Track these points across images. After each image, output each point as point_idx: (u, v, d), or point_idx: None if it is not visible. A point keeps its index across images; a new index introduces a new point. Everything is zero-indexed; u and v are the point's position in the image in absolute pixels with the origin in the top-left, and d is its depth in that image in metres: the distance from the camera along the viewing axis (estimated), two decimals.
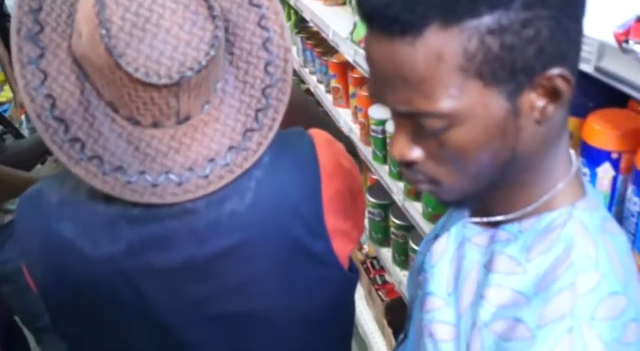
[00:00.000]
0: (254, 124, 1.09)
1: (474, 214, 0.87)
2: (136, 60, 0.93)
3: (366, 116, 2.32)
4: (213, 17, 0.98)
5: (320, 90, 2.97)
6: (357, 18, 2.17)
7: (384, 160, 2.29)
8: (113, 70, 0.94)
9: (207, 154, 1.06)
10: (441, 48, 0.66)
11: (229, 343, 1.18)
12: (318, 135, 1.20)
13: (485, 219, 0.84)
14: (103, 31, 0.92)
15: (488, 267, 0.81)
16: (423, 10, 0.65)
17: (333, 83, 2.73)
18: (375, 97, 0.75)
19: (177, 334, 1.15)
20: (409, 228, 2.27)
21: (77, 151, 1.01)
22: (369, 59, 0.73)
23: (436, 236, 0.96)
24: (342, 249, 1.20)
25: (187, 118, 1.04)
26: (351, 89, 2.55)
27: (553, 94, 0.70)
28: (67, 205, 1.08)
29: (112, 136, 1.03)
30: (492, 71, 0.67)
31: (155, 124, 1.02)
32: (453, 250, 0.89)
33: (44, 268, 1.09)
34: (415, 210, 2.06)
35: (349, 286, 1.28)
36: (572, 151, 0.82)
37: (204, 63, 0.96)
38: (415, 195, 2.09)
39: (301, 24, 3.16)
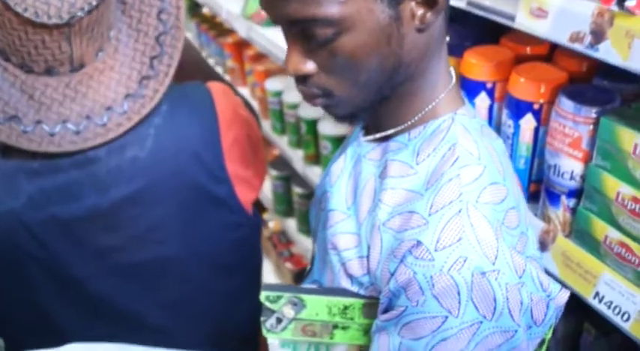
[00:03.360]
0: (149, 71, 1.11)
1: (367, 134, 0.93)
2: (25, 0, 0.94)
3: (263, 90, 2.38)
4: None
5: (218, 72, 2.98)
6: None
7: (283, 131, 2.35)
8: (2, 12, 0.94)
9: (104, 102, 1.08)
10: None
11: (141, 292, 1.19)
12: (214, 86, 1.24)
13: (377, 135, 0.90)
14: None
15: (382, 175, 0.87)
16: None
17: (229, 63, 2.77)
18: (269, 12, 0.79)
19: (87, 286, 1.15)
20: (310, 196, 2.33)
21: None
22: None
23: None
24: (244, 195, 1.23)
25: (82, 66, 1.05)
26: (247, 66, 2.60)
27: (430, 3, 0.77)
28: None
29: (5, 85, 1.03)
30: None
31: (49, 72, 1.03)
32: (350, 168, 0.95)
33: None
34: (315, 175, 2.13)
35: (254, 230, 1.32)
36: (451, 68, 0.90)
37: (94, 3, 0.98)
38: (314, 160, 2.16)
39: (195, 9, 3.17)
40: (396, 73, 0.81)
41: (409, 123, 0.86)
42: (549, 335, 0.83)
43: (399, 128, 0.87)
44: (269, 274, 2.78)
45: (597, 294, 1.01)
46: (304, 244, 2.44)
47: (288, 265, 2.66)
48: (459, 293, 0.72)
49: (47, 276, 1.13)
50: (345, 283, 0.87)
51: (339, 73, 0.80)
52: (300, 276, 2.53)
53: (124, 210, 1.11)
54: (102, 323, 1.20)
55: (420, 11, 0.77)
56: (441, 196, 0.77)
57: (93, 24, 1.01)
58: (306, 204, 2.38)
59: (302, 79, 0.83)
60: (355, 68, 0.79)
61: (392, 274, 0.77)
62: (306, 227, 2.44)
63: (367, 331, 0.86)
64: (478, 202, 0.77)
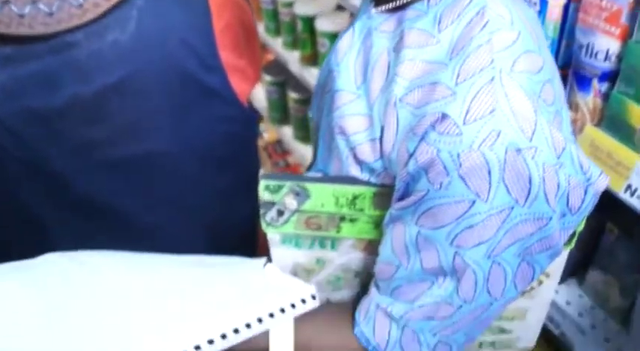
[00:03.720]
0: None
1: (378, 4, 0.82)
2: None
3: None
4: None
5: None
6: None
7: (277, 32, 2.24)
8: None
9: None
10: None
11: (130, 188, 1.12)
12: None
13: (391, 5, 0.79)
14: None
15: (397, 47, 0.77)
16: None
17: None
18: None
19: (71, 183, 1.08)
20: (307, 101, 2.25)
21: None
22: None
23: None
24: (239, 86, 1.14)
25: None
26: None
27: None
28: None
29: None
30: None
31: None
32: (359, 43, 0.84)
33: None
34: (312, 77, 2.03)
35: (249, 123, 1.23)
36: None
37: None
38: (311, 60, 2.06)
39: None
40: None
41: None
42: (581, 227, 0.75)
43: None
44: None
45: (629, 187, 0.93)
46: (301, 152, 2.37)
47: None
48: (489, 173, 0.63)
49: (28, 173, 1.05)
50: (355, 171, 0.78)
51: None
52: None
53: (107, 100, 1.02)
54: (91, 223, 1.13)
55: None
56: (470, 64, 0.67)
57: None
58: (302, 110, 2.30)
59: None
60: None
61: (411, 155, 0.68)
62: (302, 134, 2.37)
63: (378, 224, 0.78)
64: (513, 70, 0.66)
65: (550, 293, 0.91)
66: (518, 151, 0.63)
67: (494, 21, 0.70)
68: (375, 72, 0.79)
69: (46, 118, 1.01)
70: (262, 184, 0.79)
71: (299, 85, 2.23)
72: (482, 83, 0.65)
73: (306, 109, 2.27)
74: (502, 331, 0.95)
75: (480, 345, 0.97)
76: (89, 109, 1.02)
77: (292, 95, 2.32)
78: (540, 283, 0.88)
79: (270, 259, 0.87)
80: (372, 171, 0.77)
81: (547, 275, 0.86)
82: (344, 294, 0.91)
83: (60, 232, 1.13)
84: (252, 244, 1.32)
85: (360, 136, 0.77)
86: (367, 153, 0.76)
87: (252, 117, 1.23)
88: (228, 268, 0.88)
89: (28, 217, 1.11)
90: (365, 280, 0.87)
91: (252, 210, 1.37)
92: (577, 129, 1.01)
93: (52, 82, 0.99)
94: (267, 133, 2.86)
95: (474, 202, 0.65)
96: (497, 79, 0.65)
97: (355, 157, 0.78)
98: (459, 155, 0.64)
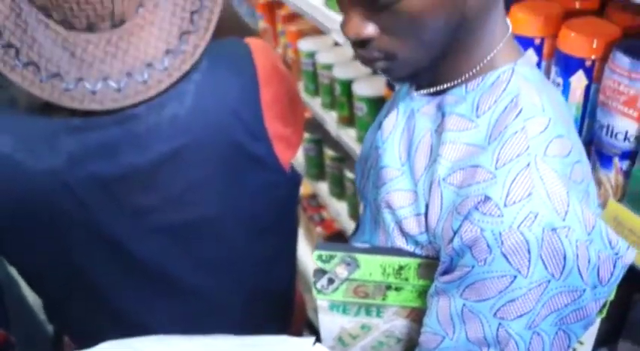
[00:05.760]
0: (190, 26, 1.09)
1: (420, 88, 0.90)
2: None
3: (296, 51, 2.34)
4: None
5: (254, 28, 2.96)
6: None
7: (316, 92, 2.32)
8: None
9: (144, 59, 1.06)
10: None
11: (178, 252, 1.19)
12: (253, 41, 1.22)
13: (432, 89, 0.87)
14: None
15: (439, 130, 0.84)
16: None
17: (261, 24, 2.73)
18: None
19: (124, 246, 1.15)
20: (343, 159, 2.33)
21: (12, 57, 0.99)
22: None
23: (380, 124, 1.00)
24: (283, 153, 1.22)
25: (122, 22, 1.03)
26: (280, 27, 2.56)
27: None
28: (3, 120, 1.06)
29: (47, 42, 1.01)
30: None
31: (90, 28, 1.02)
32: (403, 123, 0.92)
33: None
34: (349, 137, 2.10)
35: (292, 189, 1.31)
36: (507, 17, 0.86)
37: None
38: (348, 122, 2.13)
39: None
40: (459, 29, 0.78)
41: (467, 75, 0.83)
42: (612, 296, 0.81)
43: (455, 82, 0.84)
44: (299, 238, 2.77)
45: None
46: (336, 207, 2.43)
47: (319, 229, 2.65)
48: (529, 251, 0.70)
49: (85, 235, 1.12)
50: (400, 243, 0.85)
51: (403, 34, 0.76)
52: (331, 241, 2.52)
53: (162, 169, 1.10)
54: (139, 283, 1.20)
55: None
56: (508, 150, 0.75)
57: None
58: (338, 167, 2.36)
59: (362, 43, 0.79)
60: (421, 28, 0.75)
61: (455, 232, 0.75)
62: (338, 190, 2.42)
63: (421, 293, 0.85)
64: (546, 155, 0.74)
65: None
66: (554, 230, 0.70)
67: (528, 109, 0.77)
68: (419, 151, 0.86)
69: (107, 184, 1.08)
70: (316, 253, 0.85)
71: (336, 143, 2.30)
72: (520, 168, 0.73)
73: (342, 166, 2.33)
74: None
75: None
76: (145, 176, 1.09)
77: (329, 153, 2.39)
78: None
79: (317, 336, 0.90)
80: (416, 243, 0.83)
81: (581, 343, 0.91)
82: None
83: (108, 288, 1.18)
84: (288, 310, 1.37)
85: (406, 211, 0.84)
86: (413, 227, 0.83)
87: (294, 181, 1.30)
88: (277, 347, 0.90)
89: (79, 273, 1.16)
90: (407, 345, 0.92)
91: (289, 276, 1.42)
92: (601, 204, 1.06)
93: (113, 151, 1.07)
94: (303, 186, 2.90)
95: (515, 277, 0.71)
96: (532, 164, 0.73)
97: (401, 229, 0.85)
98: (500, 234, 0.70)
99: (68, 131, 1.05)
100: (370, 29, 0.77)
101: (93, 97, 1.04)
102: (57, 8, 0.99)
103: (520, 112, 0.77)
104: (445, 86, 0.85)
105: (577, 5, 1.20)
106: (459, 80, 0.84)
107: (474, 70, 0.83)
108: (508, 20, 0.86)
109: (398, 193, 0.87)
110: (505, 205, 0.72)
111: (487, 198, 0.73)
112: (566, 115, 0.85)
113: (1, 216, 1.09)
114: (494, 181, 0.73)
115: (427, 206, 0.82)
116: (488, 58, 0.82)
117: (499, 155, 0.75)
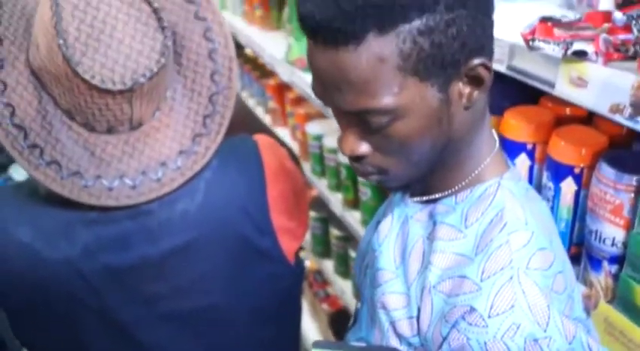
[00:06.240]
0: (202, 129, 1.16)
1: (413, 195, 0.97)
2: (92, 68, 1.00)
3: (304, 133, 2.43)
4: (163, 28, 1.06)
5: (259, 111, 3.06)
6: (291, 40, 2.28)
7: (322, 174, 2.39)
8: (70, 78, 1.01)
9: (159, 159, 1.13)
10: (380, 51, 0.75)
11: (185, 338, 1.23)
12: (261, 139, 1.29)
13: (425, 198, 0.94)
14: (61, 41, 0.99)
15: (431, 237, 0.91)
16: (362, 21, 0.74)
17: (271, 104, 2.83)
18: (323, 101, 0.84)
19: (133, 332, 1.19)
20: (348, 238, 2.38)
21: (36, 156, 1.07)
22: (315, 68, 0.82)
23: (378, 222, 1.06)
24: (288, 246, 1.27)
25: (140, 124, 1.11)
26: (288, 109, 2.66)
27: (476, 81, 0.81)
28: (24, 211, 1.13)
29: (69, 142, 1.09)
30: (426, 67, 0.77)
31: (110, 130, 1.09)
32: (397, 228, 0.98)
33: (1, 272, 1.12)
34: (353, 219, 2.16)
35: (296, 280, 1.35)
36: (493, 131, 0.93)
37: (155, 70, 1.04)
38: (353, 204, 2.19)
39: (238, 50, 3.25)
40: (445, 149, 0.85)
41: (456, 187, 0.91)
42: None
43: (446, 192, 0.91)
44: (304, 314, 2.79)
45: None
46: (340, 285, 2.47)
47: (324, 305, 2.68)
48: None
49: (96, 320, 1.17)
50: (394, 343, 0.90)
51: (393, 153, 0.84)
52: (336, 319, 2.54)
53: (172, 260, 1.16)
54: None
55: (467, 90, 0.82)
56: (492, 262, 0.81)
57: (153, 88, 1.07)
58: (343, 246, 2.42)
59: (357, 158, 0.87)
60: (409, 150, 0.83)
61: (444, 338, 0.80)
62: (343, 269, 2.47)
63: None
64: (528, 268, 0.80)
65: None
66: (536, 341, 0.76)
67: (511, 223, 0.84)
68: (412, 256, 0.93)
69: (119, 274, 1.14)
70: None
71: (341, 223, 2.35)
72: (504, 281, 0.79)
73: (347, 245, 2.38)
74: None
75: None
76: (155, 267, 1.15)
77: (334, 232, 2.45)
78: None
79: None
80: (409, 344, 0.89)
81: None
82: None
83: None
84: None
85: (399, 313, 0.90)
86: (406, 328, 0.89)
87: (298, 272, 1.35)
88: None
89: None
90: None
91: None
92: (592, 305, 1.10)
93: (126, 243, 1.13)
94: (309, 261, 2.95)
95: None
96: (515, 277, 0.79)
97: (395, 330, 0.90)
98: (485, 343, 0.76)
99: (84, 224, 1.11)
100: (364, 148, 0.85)
101: (109, 194, 1.10)
102: (80, 113, 1.06)
103: (505, 225, 0.84)
104: (437, 196, 0.92)
105: (567, 112, 1.27)
106: (450, 191, 0.91)
107: (463, 183, 0.90)
108: (495, 135, 0.93)
109: (392, 295, 0.92)
110: (489, 317, 0.77)
111: (473, 309, 0.79)
112: (550, 225, 0.91)
113: (18, 300, 1.15)
114: (480, 293, 0.79)
115: (419, 310, 0.87)
116: (476, 172, 0.89)
117: (484, 268, 0.81)
